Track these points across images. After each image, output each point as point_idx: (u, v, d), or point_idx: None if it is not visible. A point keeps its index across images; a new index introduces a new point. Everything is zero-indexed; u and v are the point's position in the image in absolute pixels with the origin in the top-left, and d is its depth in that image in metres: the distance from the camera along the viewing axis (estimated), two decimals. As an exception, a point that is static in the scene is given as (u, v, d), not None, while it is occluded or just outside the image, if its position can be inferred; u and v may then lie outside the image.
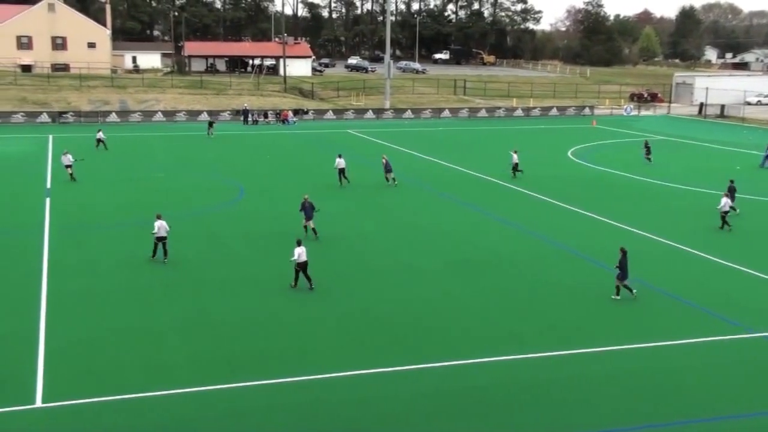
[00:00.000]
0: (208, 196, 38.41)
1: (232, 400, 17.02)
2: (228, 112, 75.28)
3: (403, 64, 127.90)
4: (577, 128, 72.58)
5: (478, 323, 21.85)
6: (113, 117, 70.52)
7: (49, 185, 40.02)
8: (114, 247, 28.72)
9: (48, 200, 36.23)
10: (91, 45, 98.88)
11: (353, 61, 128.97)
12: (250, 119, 72.34)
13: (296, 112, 76.51)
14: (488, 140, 62.62)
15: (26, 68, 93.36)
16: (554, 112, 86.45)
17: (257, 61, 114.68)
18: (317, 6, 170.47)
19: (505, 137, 65.85)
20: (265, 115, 74.21)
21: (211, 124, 62.21)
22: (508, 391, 17.66)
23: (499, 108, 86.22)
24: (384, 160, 42.13)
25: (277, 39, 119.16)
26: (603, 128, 71.32)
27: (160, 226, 26.33)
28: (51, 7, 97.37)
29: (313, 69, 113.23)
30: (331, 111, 79.97)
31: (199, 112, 74.22)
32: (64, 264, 26.43)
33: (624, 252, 23.32)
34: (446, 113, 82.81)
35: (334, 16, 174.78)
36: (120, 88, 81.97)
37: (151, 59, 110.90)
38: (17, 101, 73.23)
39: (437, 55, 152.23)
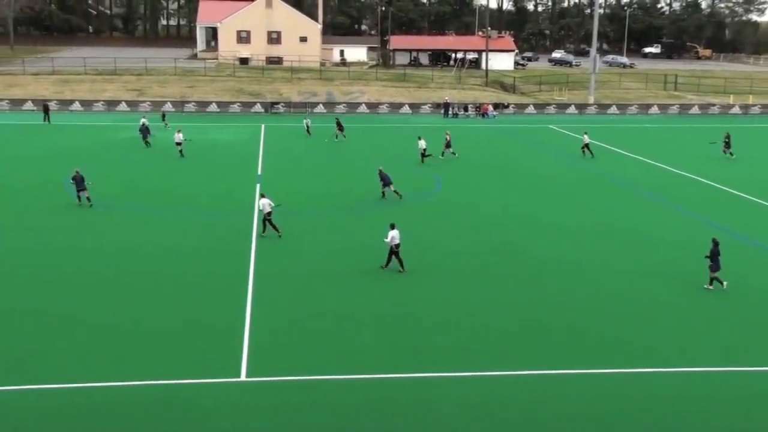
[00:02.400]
0: (406, 187, 38.98)
1: (418, 390, 17.17)
2: (429, 105, 76.15)
3: (609, 58, 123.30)
4: (803, 128, 66.42)
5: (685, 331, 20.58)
6: (320, 108, 73.55)
7: (260, 171, 42.37)
8: (315, 231, 29.92)
9: (258, 186, 38.37)
10: (303, 39, 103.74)
11: (557, 54, 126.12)
12: (450, 112, 72.74)
13: (496, 105, 75.93)
14: (701, 139, 58.75)
15: (244, 61, 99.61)
16: (777, 110, 79.72)
17: (460, 55, 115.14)
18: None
19: (719, 136, 61.50)
20: (465, 109, 74.30)
21: (339, 125, 54.53)
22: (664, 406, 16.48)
23: (714, 105, 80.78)
24: (447, 137, 47.28)
25: (480, 33, 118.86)
26: (834, 129, 64.79)
27: (265, 204, 28.08)
28: (268, 2, 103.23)
29: (516, 63, 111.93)
30: (532, 105, 78.61)
31: (401, 105, 75.69)
32: (270, 247, 27.84)
33: (715, 243, 23.33)
34: (654, 109, 78.75)
35: (540, 9, 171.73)
36: (327, 80, 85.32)
37: (357, 53, 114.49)
38: (235, 92, 78.32)
39: (647, 49, 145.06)
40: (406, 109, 75.08)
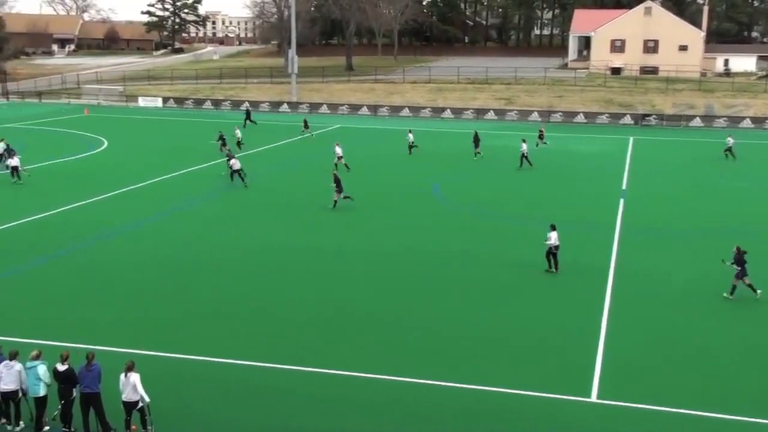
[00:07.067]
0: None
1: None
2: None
3: None
4: None
5: None
6: (696, 121, 68.72)
7: (624, 186, 40.62)
8: (678, 255, 27.78)
9: (622, 201, 36.77)
10: (682, 48, 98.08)
11: None
12: None
13: None
14: None
15: (615, 71, 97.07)
16: None
17: None
18: None
19: None
20: None
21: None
22: None
23: None
24: (474, 133, 49.67)
25: None
26: None
27: (555, 238, 25.29)
28: (647, 10, 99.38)
29: None
30: None
31: (792, 120, 67.73)
32: (630, 265, 26.40)
33: (739, 250, 22.61)
34: None
35: None
36: (707, 92, 79.58)
37: (744, 62, 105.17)
38: (604, 102, 76.52)
39: None
40: (796, 124, 67.07)
